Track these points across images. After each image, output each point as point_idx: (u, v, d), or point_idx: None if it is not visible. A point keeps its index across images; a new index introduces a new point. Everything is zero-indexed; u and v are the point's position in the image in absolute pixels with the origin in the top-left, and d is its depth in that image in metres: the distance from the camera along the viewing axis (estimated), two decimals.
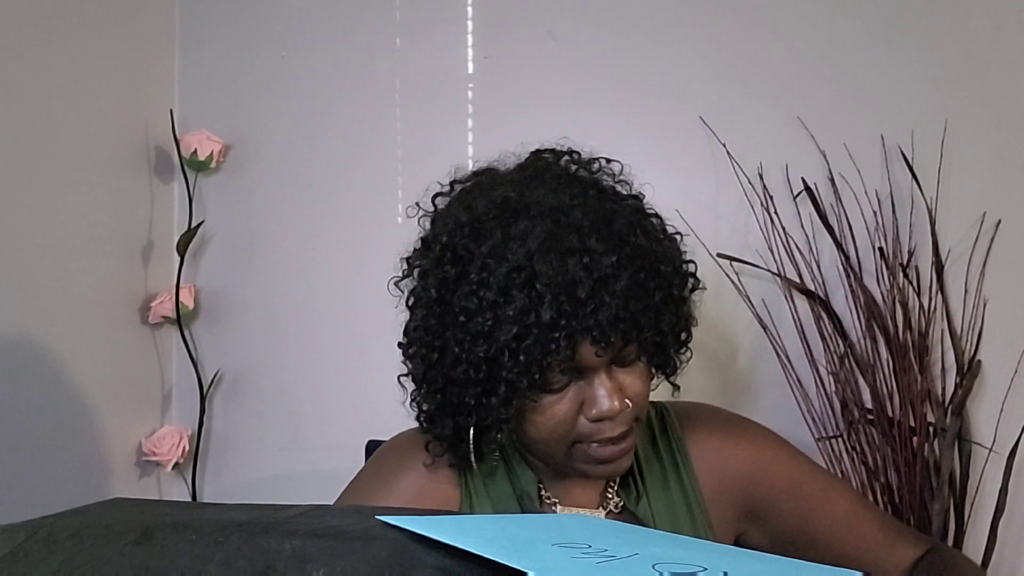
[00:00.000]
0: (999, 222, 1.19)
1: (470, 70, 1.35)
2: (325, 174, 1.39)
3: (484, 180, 0.78)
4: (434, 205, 0.80)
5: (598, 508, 0.82)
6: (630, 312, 0.68)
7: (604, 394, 0.70)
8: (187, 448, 1.36)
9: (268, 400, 1.39)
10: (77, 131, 1.23)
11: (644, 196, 0.80)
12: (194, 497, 1.40)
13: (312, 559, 0.43)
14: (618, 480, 0.82)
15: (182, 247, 1.38)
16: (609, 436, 0.72)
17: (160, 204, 1.40)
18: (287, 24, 1.41)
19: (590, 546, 0.45)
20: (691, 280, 0.78)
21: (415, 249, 0.78)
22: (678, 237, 0.79)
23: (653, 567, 0.41)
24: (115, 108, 1.31)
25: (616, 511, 0.82)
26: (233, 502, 0.54)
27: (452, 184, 0.80)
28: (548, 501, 0.81)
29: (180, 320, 1.36)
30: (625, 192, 0.79)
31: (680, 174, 1.27)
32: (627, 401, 0.72)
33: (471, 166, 0.82)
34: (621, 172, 0.81)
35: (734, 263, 1.23)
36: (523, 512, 0.79)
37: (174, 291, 1.36)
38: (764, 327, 1.21)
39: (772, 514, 0.84)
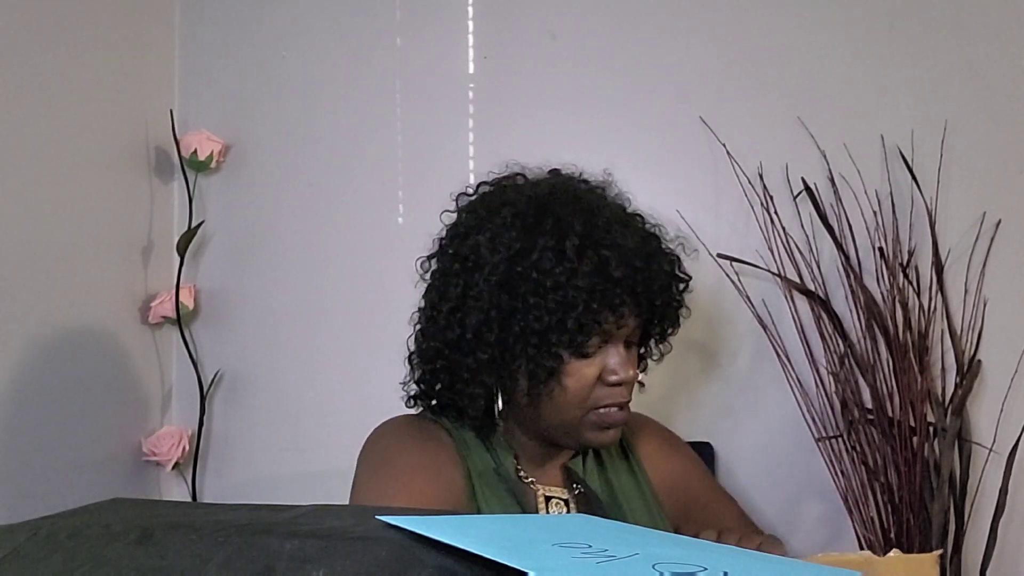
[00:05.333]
0: (999, 222, 1.19)
1: (470, 70, 1.35)
2: (325, 174, 1.39)
3: (517, 181, 0.89)
4: (471, 195, 0.89)
5: (572, 487, 0.90)
6: (666, 286, 0.85)
7: (621, 362, 0.84)
8: (187, 448, 1.36)
9: (268, 400, 1.39)
10: (77, 131, 1.23)
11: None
12: (194, 497, 1.39)
13: (312, 559, 0.43)
14: (583, 468, 0.92)
15: (182, 247, 1.37)
16: (618, 402, 0.85)
17: (160, 204, 1.40)
18: (287, 24, 1.41)
19: (590, 546, 0.45)
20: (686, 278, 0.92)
21: (464, 215, 0.87)
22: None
23: (653, 567, 0.41)
24: (115, 108, 1.31)
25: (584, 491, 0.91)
26: (233, 502, 0.54)
27: (478, 186, 0.90)
28: (526, 480, 0.89)
29: (180, 320, 1.36)
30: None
31: (680, 174, 1.28)
32: (632, 372, 0.85)
33: (471, 167, 0.84)
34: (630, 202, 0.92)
35: (734, 263, 1.23)
36: (503, 486, 0.86)
37: (174, 291, 1.36)
38: (764, 327, 1.21)
39: (687, 527, 0.93)
